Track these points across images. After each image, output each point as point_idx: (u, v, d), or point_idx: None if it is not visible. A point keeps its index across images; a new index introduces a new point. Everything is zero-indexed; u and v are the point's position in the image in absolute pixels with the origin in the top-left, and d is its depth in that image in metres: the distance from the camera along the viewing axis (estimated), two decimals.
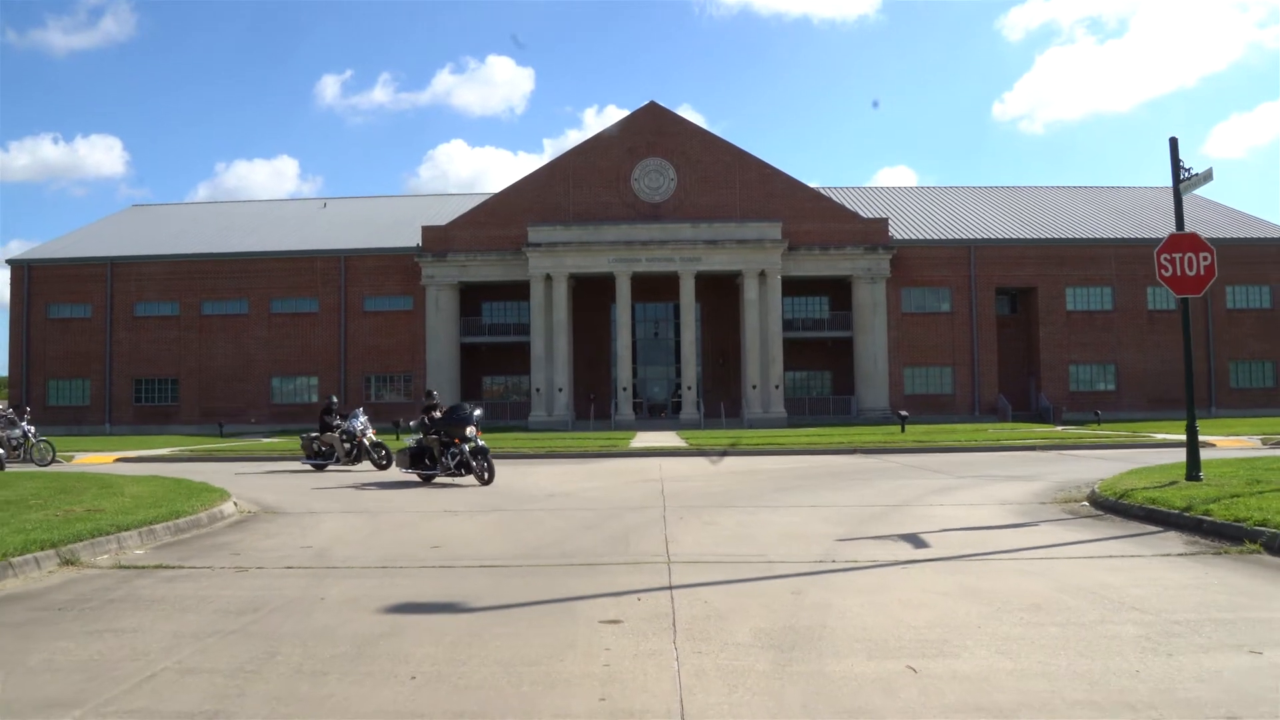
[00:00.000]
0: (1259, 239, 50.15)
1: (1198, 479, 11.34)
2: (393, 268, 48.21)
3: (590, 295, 47.47)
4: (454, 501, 12.53)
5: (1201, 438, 26.46)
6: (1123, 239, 48.72)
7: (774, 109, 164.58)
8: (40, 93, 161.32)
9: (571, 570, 7.08)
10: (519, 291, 47.38)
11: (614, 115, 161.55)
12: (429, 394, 17.45)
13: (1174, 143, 11.74)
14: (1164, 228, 49.96)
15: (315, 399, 48.81)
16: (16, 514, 8.93)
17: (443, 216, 50.64)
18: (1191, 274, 11.36)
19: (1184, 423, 36.25)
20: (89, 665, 4.54)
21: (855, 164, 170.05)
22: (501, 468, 19.69)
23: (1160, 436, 28.40)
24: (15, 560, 6.98)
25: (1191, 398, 12.02)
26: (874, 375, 46.41)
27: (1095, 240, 49.32)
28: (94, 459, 23.93)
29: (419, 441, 15.71)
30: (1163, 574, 6.74)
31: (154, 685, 4.21)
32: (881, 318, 46.87)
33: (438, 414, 16.12)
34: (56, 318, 49.75)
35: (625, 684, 4.12)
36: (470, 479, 15.33)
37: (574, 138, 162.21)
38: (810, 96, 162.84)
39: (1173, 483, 11.24)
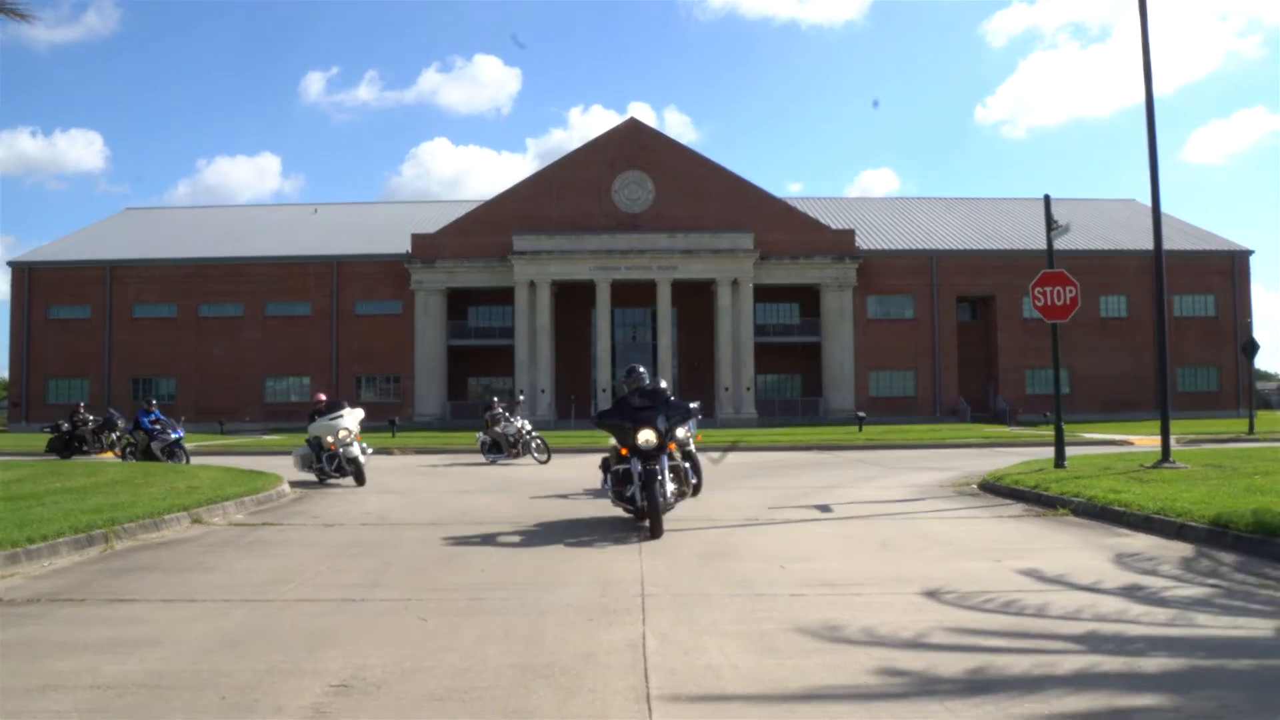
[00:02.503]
0: (1204, 251, 53.44)
1: (1063, 467, 14.20)
2: (383, 273, 50.71)
3: (572, 301, 50.15)
4: (468, 483, 15.29)
5: (1122, 437, 29.80)
6: (1078, 250, 50.54)
7: (759, 111, 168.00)
8: (19, 86, 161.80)
9: (569, 526, 9.84)
10: (504, 297, 49.95)
11: (599, 115, 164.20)
12: (632, 372, 10.39)
13: (1047, 199, 14.70)
14: (1121, 240, 53.15)
15: (307, 399, 51.24)
16: (139, 489, 11.56)
17: (429, 223, 53.15)
18: (1059, 304, 14.26)
19: (1127, 424, 38.75)
20: (275, 569, 7.25)
21: (839, 166, 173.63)
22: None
23: (1089, 436, 31.40)
24: (166, 518, 9.66)
25: (1059, 404, 14.95)
26: (841, 378, 49.42)
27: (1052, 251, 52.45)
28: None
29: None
30: (986, 526, 9.59)
31: (324, 576, 6.94)
32: (849, 324, 49.84)
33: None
34: (56, 318, 51.87)
35: (609, 570, 6.93)
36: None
37: (558, 137, 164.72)
38: (795, 99, 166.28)
39: (1041, 470, 14.10)
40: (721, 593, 6.12)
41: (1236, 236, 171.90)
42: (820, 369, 50.38)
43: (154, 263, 51.93)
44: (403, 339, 50.14)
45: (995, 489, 13.09)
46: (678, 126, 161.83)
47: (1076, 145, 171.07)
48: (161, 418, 19.97)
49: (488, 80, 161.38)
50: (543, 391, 47.47)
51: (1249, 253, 53.64)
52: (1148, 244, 52.99)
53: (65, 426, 24.63)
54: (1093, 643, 4.81)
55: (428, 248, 49.47)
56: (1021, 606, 5.67)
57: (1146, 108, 14.14)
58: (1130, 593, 6.08)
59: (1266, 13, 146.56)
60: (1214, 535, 8.11)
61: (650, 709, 3.77)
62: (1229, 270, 52.93)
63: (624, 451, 9.31)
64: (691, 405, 10.29)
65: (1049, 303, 14.31)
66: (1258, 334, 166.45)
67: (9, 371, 53.51)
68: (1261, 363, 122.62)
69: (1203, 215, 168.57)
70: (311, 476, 15.46)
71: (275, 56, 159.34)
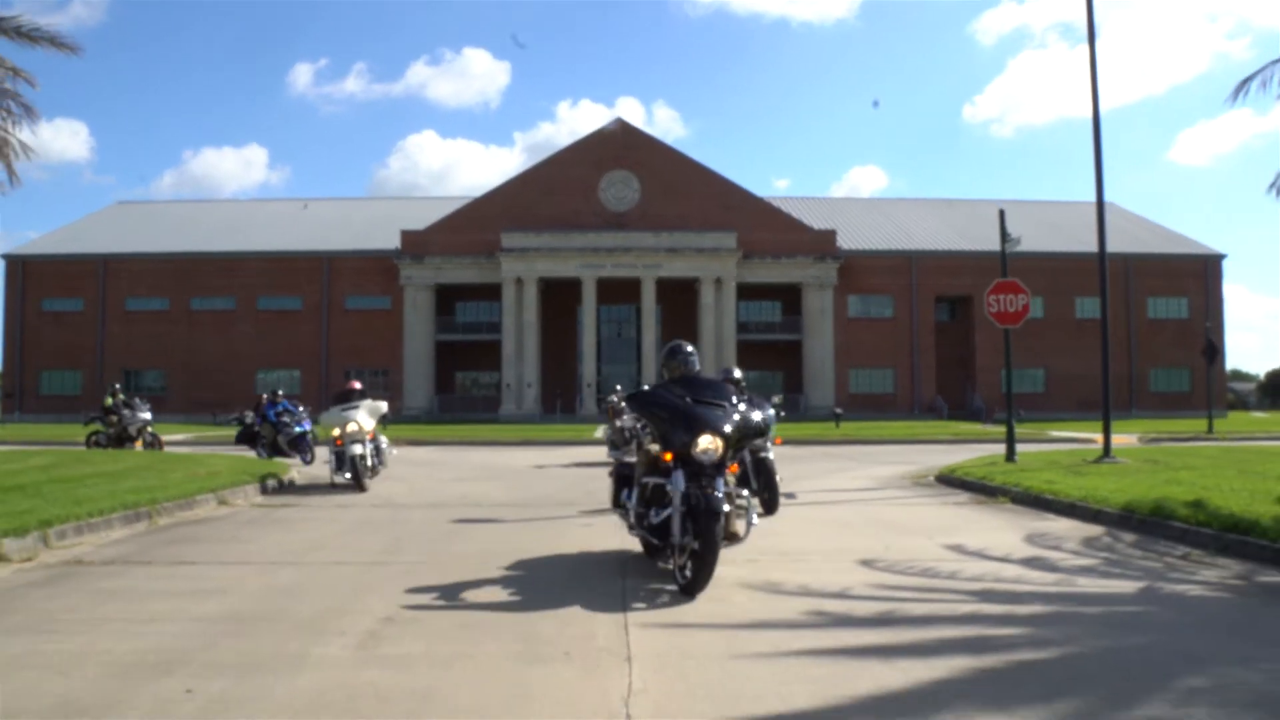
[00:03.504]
0: (1179, 254, 54.80)
1: (1014, 461, 15.42)
2: (373, 269, 51.67)
3: (558, 297, 51.21)
4: (470, 472, 16.41)
5: (1087, 435, 31.11)
6: (1054, 252, 51.41)
7: (749, 108, 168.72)
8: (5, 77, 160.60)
9: (559, 507, 10.99)
10: (492, 293, 50.95)
11: (588, 110, 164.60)
12: (676, 353, 7.21)
13: (1002, 214, 15.95)
14: (1095, 242, 54.52)
15: (298, 391, 52.16)
16: (165, 474, 12.60)
17: (418, 219, 54.02)
18: (1012, 310, 15.51)
19: (1097, 423, 40.32)
20: (304, 541, 8.35)
21: (827, 163, 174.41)
22: (488, 453, 23.50)
23: (1056, 434, 32.72)
24: (197, 499, 10.74)
25: (1010, 405, 16.20)
26: (821, 376, 50.71)
27: (1028, 253, 53.47)
28: None
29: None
30: (931, 511, 10.78)
31: (349, 545, 8.05)
32: (829, 322, 51.10)
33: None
34: (50, 311, 52.57)
35: (596, 540, 8.04)
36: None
37: (546, 131, 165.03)
38: (785, 96, 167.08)
39: (993, 464, 15.31)
40: None
41: (1221, 239, 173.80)
42: (801, 366, 51.63)
43: (146, 256, 52.71)
44: (392, 333, 51.08)
45: (949, 480, 14.31)
46: (666, 122, 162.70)
47: (1064, 144, 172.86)
48: (289, 408, 18.93)
49: (477, 73, 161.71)
50: (529, 385, 48.57)
51: (1221, 257, 55.09)
52: (1125, 247, 54.29)
53: (250, 418, 24.89)
54: (985, 596, 5.98)
55: (417, 244, 50.43)
56: (937, 571, 6.84)
57: (1094, 127, 15.35)
58: (1031, 562, 7.26)
59: (1256, 14, 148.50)
60: (1122, 519, 9.31)
61: (628, 631, 4.91)
62: (1202, 273, 54.33)
63: (667, 457, 6.31)
64: (754, 415, 7.19)
65: (1002, 310, 15.55)
66: (1238, 336, 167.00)
67: (3, 363, 54.10)
68: (1242, 364, 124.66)
69: (1188, 217, 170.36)
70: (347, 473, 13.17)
71: (263, 48, 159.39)
